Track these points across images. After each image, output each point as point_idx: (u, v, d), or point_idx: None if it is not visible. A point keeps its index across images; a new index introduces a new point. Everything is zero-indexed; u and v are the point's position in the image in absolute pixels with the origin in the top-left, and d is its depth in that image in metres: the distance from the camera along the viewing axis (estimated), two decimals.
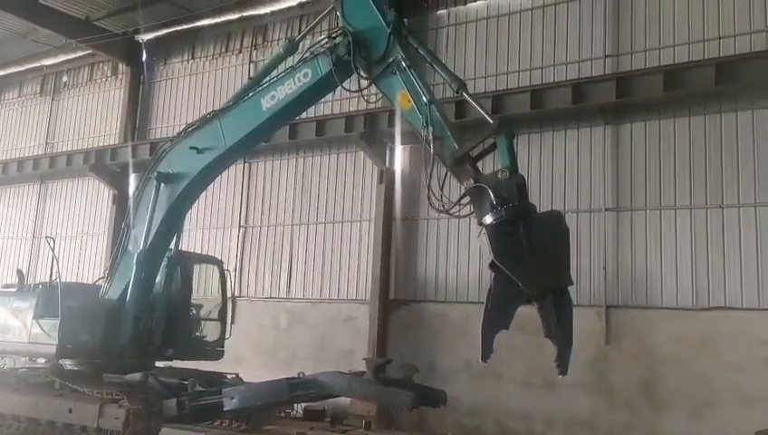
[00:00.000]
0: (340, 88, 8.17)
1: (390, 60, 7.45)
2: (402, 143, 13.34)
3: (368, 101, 10.08)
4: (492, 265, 6.22)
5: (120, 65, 18.47)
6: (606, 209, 11.56)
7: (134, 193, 10.04)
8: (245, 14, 16.16)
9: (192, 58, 17.44)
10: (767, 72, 10.05)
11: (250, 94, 8.66)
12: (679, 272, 10.84)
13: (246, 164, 15.66)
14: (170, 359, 10.38)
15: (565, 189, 12.00)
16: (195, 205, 10.30)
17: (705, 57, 10.93)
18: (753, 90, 10.54)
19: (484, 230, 6.34)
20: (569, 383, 10.24)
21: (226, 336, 11.25)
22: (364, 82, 7.85)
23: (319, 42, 8.16)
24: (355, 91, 8.08)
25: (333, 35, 7.95)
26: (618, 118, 11.73)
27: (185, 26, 16.92)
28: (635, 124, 11.58)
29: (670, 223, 11.04)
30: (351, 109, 14.01)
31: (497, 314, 6.15)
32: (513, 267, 6.13)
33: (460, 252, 12.79)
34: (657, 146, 11.34)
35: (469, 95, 7.42)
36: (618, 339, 11.12)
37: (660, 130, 11.35)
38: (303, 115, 11.84)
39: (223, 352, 11.13)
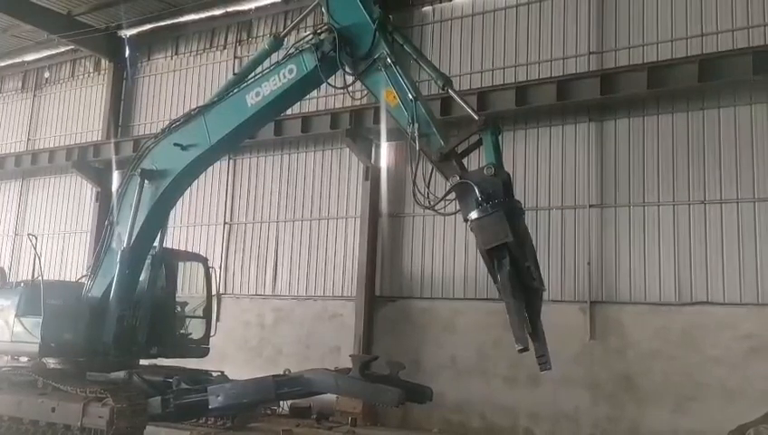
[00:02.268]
0: (325, 84, 8.16)
1: (376, 56, 7.45)
2: (388, 140, 13.33)
3: (353, 98, 10.05)
4: (492, 250, 6.20)
5: (103, 61, 18.30)
6: (590, 206, 11.63)
7: (117, 190, 9.96)
8: (230, 9, 16.07)
9: (176, 54, 17.30)
10: (749, 69, 10.14)
11: (235, 91, 8.61)
12: (662, 267, 10.93)
13: (231, 161, 15.58)
14: (155, 357, 10.34)
15: (550, 186, 12.06)
16: (179, 202, 10.23)
17: (689, 54, 11.02)
18: (736, 87, 10.65)
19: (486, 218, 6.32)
20: (553, 378, 10.31)
21: (211, 334, 11.22)
22: (350, 79, 7.84)
23: (304, 38, 8.15)
24: (340, 88, 8.09)
25: (319, 31, 7.92)
26: (602, 114, 11.81)
27: (168, 22, 16.80)
28: (619, 121, 11.66)
29: (653, 219, 11.14)
30: (337, 105, 13.99)
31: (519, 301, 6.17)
32: (522, 256, 6.24)
33: (446, 248, 12.82)
34: (640, 142, 11.43)
35: (455, 92, 7.44)
36: (602, 334, 11.20)
37: (644, 126, 11.44)
38: (289, 112, 11.80)
39: (208, 349, 11.10)
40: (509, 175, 6.59)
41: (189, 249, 14.16)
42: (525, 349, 6.02)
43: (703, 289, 10.58)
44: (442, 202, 6.85)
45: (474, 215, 6.40)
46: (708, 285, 10.55)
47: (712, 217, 10.70)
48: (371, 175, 13.63)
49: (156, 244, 10.06)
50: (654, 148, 11.30)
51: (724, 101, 10.83)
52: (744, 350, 10.07)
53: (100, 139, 17.58)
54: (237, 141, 10.03)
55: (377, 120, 12.66)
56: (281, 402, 12.22)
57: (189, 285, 11.79)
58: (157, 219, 9.54)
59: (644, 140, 11.40)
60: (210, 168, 10.14)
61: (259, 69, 8.55)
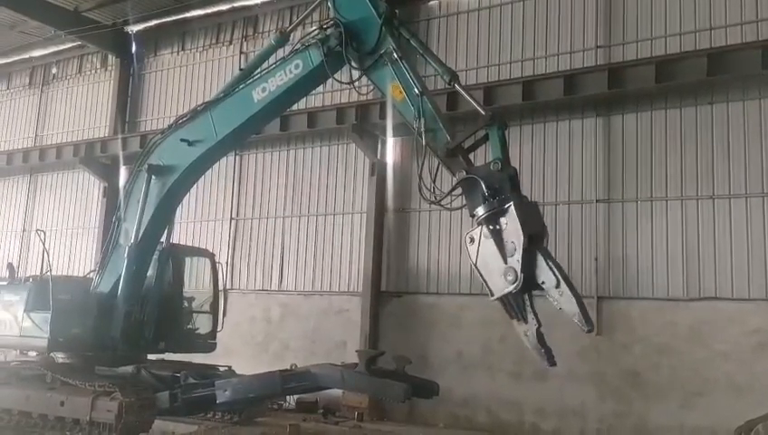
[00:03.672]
0: (331, 80, 8.14)
1: (382, 51, 7.42)
2: (394, 135, 13.34)
3: (359, 93, 10.05)
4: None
5: (110, 57, 18.34)
6: (597, 201, 11.59)
7: (125, 186, 9.98)
8: (236, 5, 16.07)
9: (182, 49, 17.32)
10: (758, 63, 10.07)
11: (241, 86, 8.61)
12: (670, 262, 10.90)
13: (237, 156, 15.60)
14: (162, 352, 10.38)
15: (557, 181, 12.02)
16: (186, 197, 10.26)
17: (697, 48, 10.96)
18: (745, 81, 10.58)
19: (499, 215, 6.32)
20: (560, 374, 10.30)
21: (218, 329, 11.24)
22: (356, 74, 7.83)
23: (310, 33, 8.13)
24: (347, 83, 8.10)
25: (325, 26, 7.91)
26: (609, 109, 11.76)
27: (175, 17, 16.81)
28: (626, 115, 11.60)
29: (661, 214, 11.09)
30: (343, 100, 13.97)
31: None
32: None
33: (452, 243, 12.79)
34: (648, 137, 11.37)
35: (461, 87, 7.40)
36: (609, 329, 11.17)
37: (652, 121, 11.38)
38: (295, 107, 11.73)
39: (215, 344, 11.13)
40: (516, 170, 6.56)
41: (196, 245, 14.17)
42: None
43: (711, 284, 10.54)
44: (448, 197, 6.83)
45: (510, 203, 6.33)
46: (716, 281, 10.51)
47: (720, 211, 10.65)
48: (377, 170, 13.62)
49: (163, 239, 10.10)
50: (662, 142, 11.24)
51: (733, 95, 10.77)
52: (752, 345, 10.04)
53: (107, 134, 17.62)
54: (244, 137, 10.03)
55: (383, 116, 12.65)
56: (287, 397, 12.26)
57: (196, 280, 11.81)
58: (164, 215, 9.56)
59: (652, 134, 11.35)
60: (217, 163, 10.15)
61: (265, 64, 8.55)
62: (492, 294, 6.32)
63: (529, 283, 6.13)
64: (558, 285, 6.01)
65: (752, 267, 10.29)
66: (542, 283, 6.07)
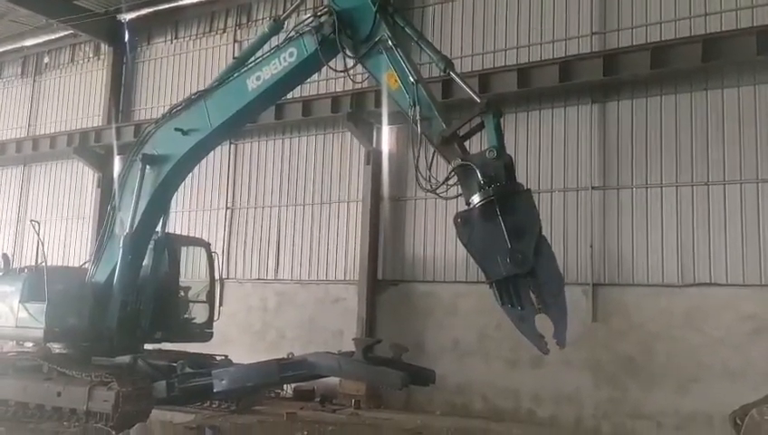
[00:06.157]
0: (326, 68, 8.11)
1: (377, 39, 7.41)
2: (389, 123, 13.27)
3: (354, 81, 10.00)
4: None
5: (103, 46, 18.20)
6: (593, 188, 11.60)
7: (119, 176, 9.95)
8: None
9: (176, 38, 17.21)
10: (753, 49, 10.05)
11: (235, 75, 8.58)
12: (665, 249, 10.92)
13: (233, 145, 15.56)
14: (159, 341, 10.39)
15: (552, 168, 12.02)
16: (181, 187, 10.21)
17: (692, 34, 10.92)
18: (740, 67, 10.56)
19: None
20: (556, 360, 10.34)
21: (215, 318, 11.27)
22: (350, 62, 7.80)
23: (304, 21, 8.08)
24: (341, 71, 8.05)
25: (319, 14, 7.88)
26: (605, 96, 11.74)
27: (168, 5, 16.70)
28: (622, 102, 11.59)
29: (656, 200, 11.11)
30: (338, 89, 13.92)
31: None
32: None
33: (448, 231, 12.77)
34: (643, 124, 11.37)
35: (456, 74, 7.39)
36: (604, 316, 11.22)
37: (647, 107, 11.37)
38: (290, 95, 11.72)
39: (211, 334, 11.15)
40: (511, 158, 6.56)
41: (192, 234, 14.15)
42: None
43: (706, 270, 10.57)
44: (444, 185, 6.83)
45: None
46: (711, 267, 10.54)
47: (715, 198, 10.67)
48: (373, 159, 13.59)
49: (158, 229, 10.07)
50: (657, 129, 11.24)
51: (728, 81, 10.75)
52: (746, 331, 10.09)
53: (101, 124, 17.52)
54: (238, 126, 10.00)
55: (378, 104, 12.58)
56: (285, 386, 12.30)
57: (192, 269, 11.81)
58: (159, 205, 9.54)
59: (647, 121, 11.34)
60: (212, 152, 10.12)
61: (259, 53, 8.51)
62: (489, 277, 6.32)
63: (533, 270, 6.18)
64: (557, 294, 6.08)
65: (746, 253, 10.32)
66: (544, 281, 6.12)
